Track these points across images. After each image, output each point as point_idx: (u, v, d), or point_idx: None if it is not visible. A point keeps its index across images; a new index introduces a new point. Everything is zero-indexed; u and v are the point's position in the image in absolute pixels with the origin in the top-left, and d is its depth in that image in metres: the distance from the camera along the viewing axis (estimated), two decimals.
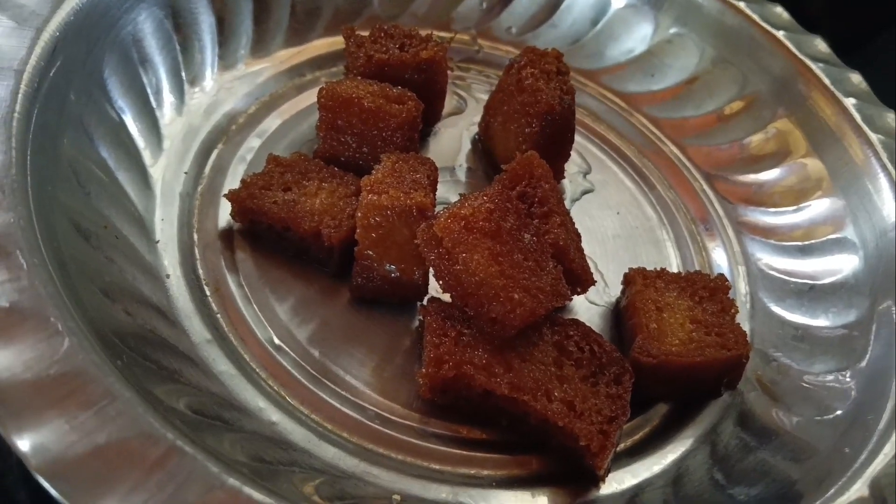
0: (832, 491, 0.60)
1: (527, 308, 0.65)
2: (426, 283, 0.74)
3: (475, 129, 0.96)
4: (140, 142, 0.80)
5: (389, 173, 0.73)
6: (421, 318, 0.73)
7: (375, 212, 0.69)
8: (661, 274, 0.79)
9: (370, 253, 0.71)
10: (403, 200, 0.69)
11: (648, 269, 0.81)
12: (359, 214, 0.70)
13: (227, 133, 0.87)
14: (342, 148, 0.82)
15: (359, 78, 0.83)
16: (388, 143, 0.80)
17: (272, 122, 0.90)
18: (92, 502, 0.46)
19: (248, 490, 0.48)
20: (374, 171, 0.73)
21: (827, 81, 0.96)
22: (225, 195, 0.77)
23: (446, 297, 0.70)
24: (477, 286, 0.65)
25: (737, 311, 0.76)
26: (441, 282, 0.67)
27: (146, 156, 0.80)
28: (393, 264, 0.72)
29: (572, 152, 0.90)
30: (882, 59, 1.28)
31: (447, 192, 0.89)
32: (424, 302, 0.73)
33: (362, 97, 0.79)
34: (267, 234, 0.77)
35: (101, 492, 0.46)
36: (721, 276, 0.79)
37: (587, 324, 0.72)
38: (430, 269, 0.69)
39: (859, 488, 0.60)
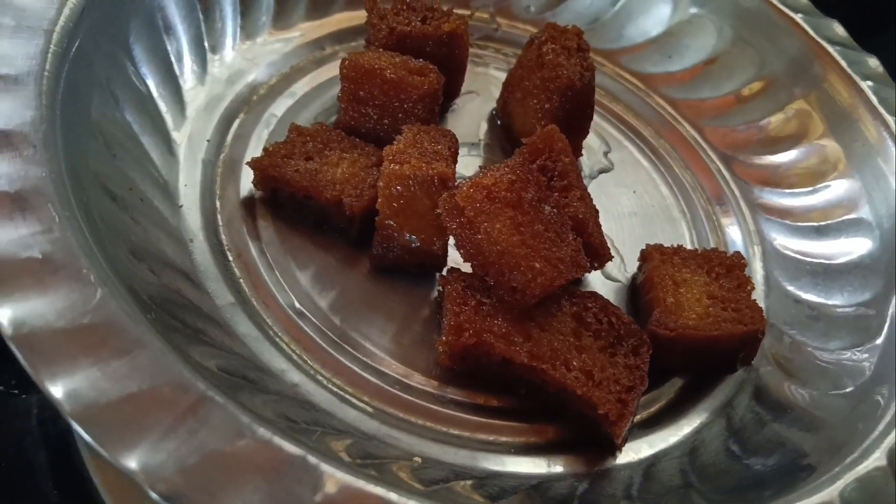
0: (849, 459, 0.60)
1: (547, 277, 0.65)
2: (446, 254, 0.75)
3: (493, 105, 0.97)
4: (164, 108, 0.80)
5: (411, 144, 0.74)
6: (440, 288, 0.73)
7: (397, 181, 0.70)
8: (678, 250, 0.80)
9: (391, 223, 0.72)
10: (425, 170, 0.70)
11: (665, 246, 0.81)
12: (380, 184, 0.71)
13: (248, 102, 0.88)
14: (363, 119, 0.82)
15: (381, 50, 0.84)
16: (409, 114, 0.81)
17: (293, 94, 0.91)
18: (124, 447, 0.46)
19: (279, 440, 0.49)
20: (395, 142, 0.74)
21: (843, 64, 0.96)
22: (247, 163, 0.78)
23: (466, 268, 0.70)
24: (498, 255, 0.66)
25: (753, 288, 0.76)
26: (462, 251, 0.68)
27: (169, 122, 0.80)
28: (413, 234, 0.72)
29: (590, 131, 0.90)
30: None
31: (465, 168, 0.89)
32: (444, 272, 0.73)
33: (384, 68, 0.79)
34: (288, 202, 0.78)
35: (134, 437, 0.47)
36: (737, 253, 0.80)
37: None
38: (451, 239, 0.69)
39: (878, 457, 0.60)
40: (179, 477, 0.46)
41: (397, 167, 0.70)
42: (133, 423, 0.47)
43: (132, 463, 0.46)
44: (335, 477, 0.48)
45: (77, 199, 0.59)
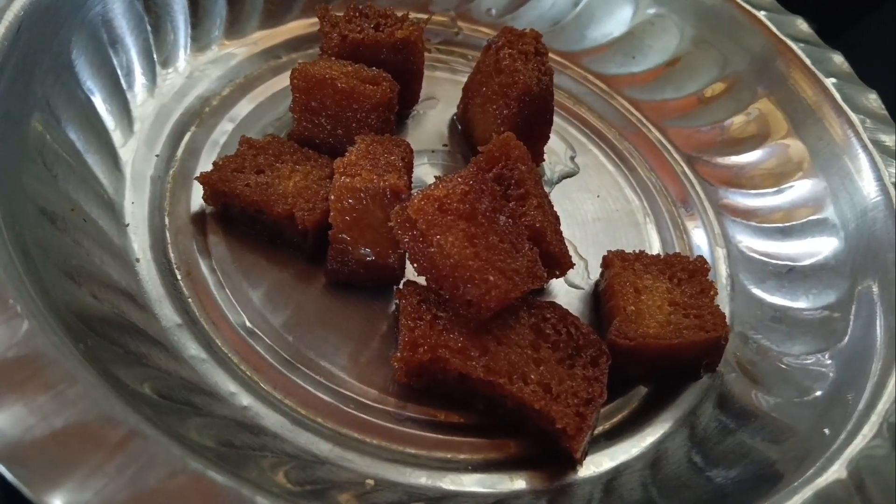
0: (811, 472, 0.59)
1: (501, 290, 0.64)
2: (402, 267, 0.73)
3: (454, 111, 0.95)
4: (110, 124, 0.78)
5: (363, 155, 0.72)
6: (397, 301, 0.72)
7: (349, 194, 0.68)
8: (640, 256, 0.79)
9: (344, 237, 0.70)
10: (377, 182, 0.68)
11: (628, 251, 0.80)
12: (332, 197, 0.69)
13: (200, 115, 0.86)
14: (316, 130, 0.81)
15: (333, 59, 0.82)
16: (362, 124, 0.79)
17: (247, 105, 0.89)
18: (50, 487, 0.45)
19: (212, 474, 0.47)
20: (347, 154, 0.72)
21: (807, 61, 0.95)
22: (196, 177, 0.76)
23: (423, 281, 0.69)
24: (452, 268, 0.64)
25: (716, 294, 0.75)
26: (416, 265, 0.66)
27: (116, 138, 0.78)
28: (368, 248, 0.71)
29: (553, 135, 0.88)
30: (866, 42, 1.28)
31: (425, 175, 0.88)
32: (400, 286, 0.71)
33: (336, 78, 0.78)
34: (240, 217, 0.76)
35: (60, 476, 0.45)
36: (700, 258, 0.79)
37: (566, 307, 0.71)
38: (406, 252, 0.68)
39: (837, 469, 0.59)
40: None
41: (348, 180, 0.68)
42: (59, 461, 0.46)
43: (57, 503, 0.44)
44: None
45: (8, 225, 0.58)
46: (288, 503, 0.47)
